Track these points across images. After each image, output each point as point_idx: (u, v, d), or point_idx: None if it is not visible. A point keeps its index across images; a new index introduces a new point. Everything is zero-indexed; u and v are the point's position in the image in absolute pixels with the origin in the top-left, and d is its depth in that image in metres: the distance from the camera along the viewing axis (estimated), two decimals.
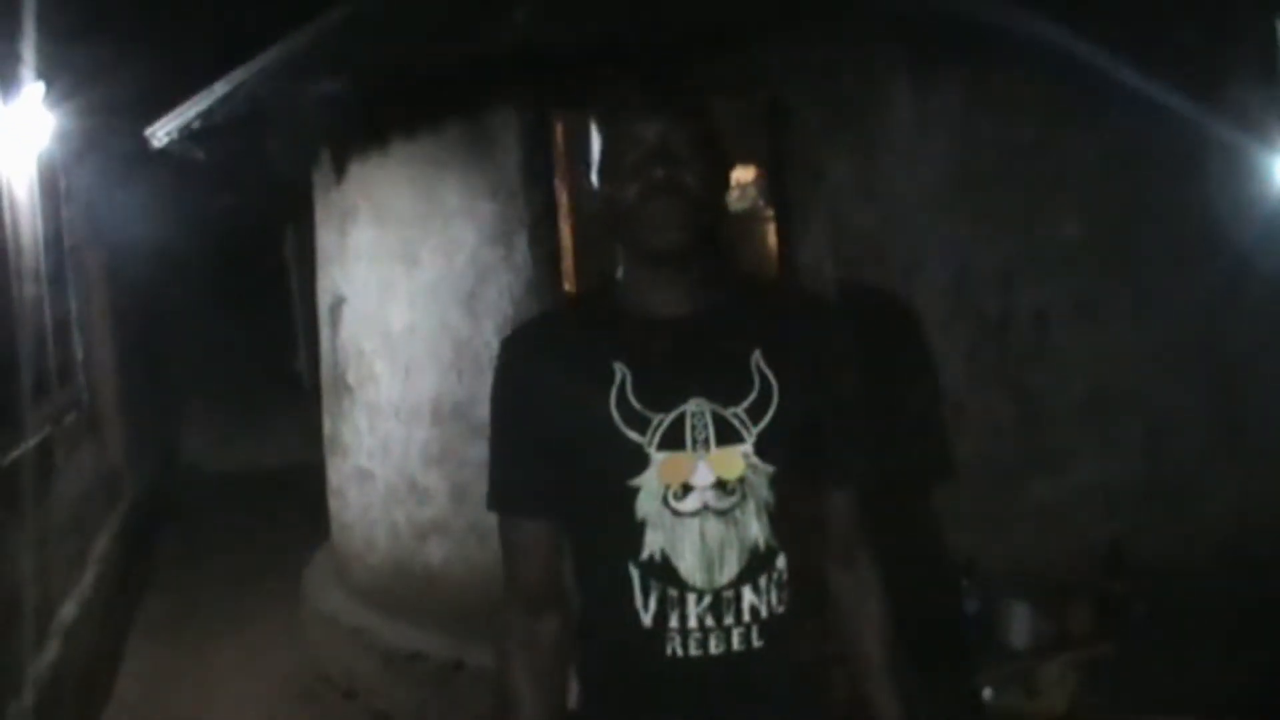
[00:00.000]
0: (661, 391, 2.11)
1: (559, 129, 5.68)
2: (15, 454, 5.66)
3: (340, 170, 6.46)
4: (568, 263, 5.75)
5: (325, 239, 6.86)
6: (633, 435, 2.09)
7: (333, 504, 7.01)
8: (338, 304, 6.66)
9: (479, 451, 5.83)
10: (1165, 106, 5.12)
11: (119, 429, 9.60)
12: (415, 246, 5.97)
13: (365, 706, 6.12)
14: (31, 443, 6.01)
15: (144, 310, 11.35)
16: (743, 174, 7.10)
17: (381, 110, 5.99)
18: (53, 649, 5.75)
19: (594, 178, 2.19)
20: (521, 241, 5.60)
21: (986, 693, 4.65)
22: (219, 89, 6.09)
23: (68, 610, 6.29)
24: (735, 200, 1.95)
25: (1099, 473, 5.44)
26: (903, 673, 2.28)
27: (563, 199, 5.73)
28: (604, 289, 2.26)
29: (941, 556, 5.11)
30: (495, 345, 5.60)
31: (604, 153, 2.16)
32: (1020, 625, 4.91)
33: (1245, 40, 6.00)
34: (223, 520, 10.25)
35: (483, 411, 5.83)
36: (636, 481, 2.09)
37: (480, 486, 5.84)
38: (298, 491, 7.43)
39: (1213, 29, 5.64)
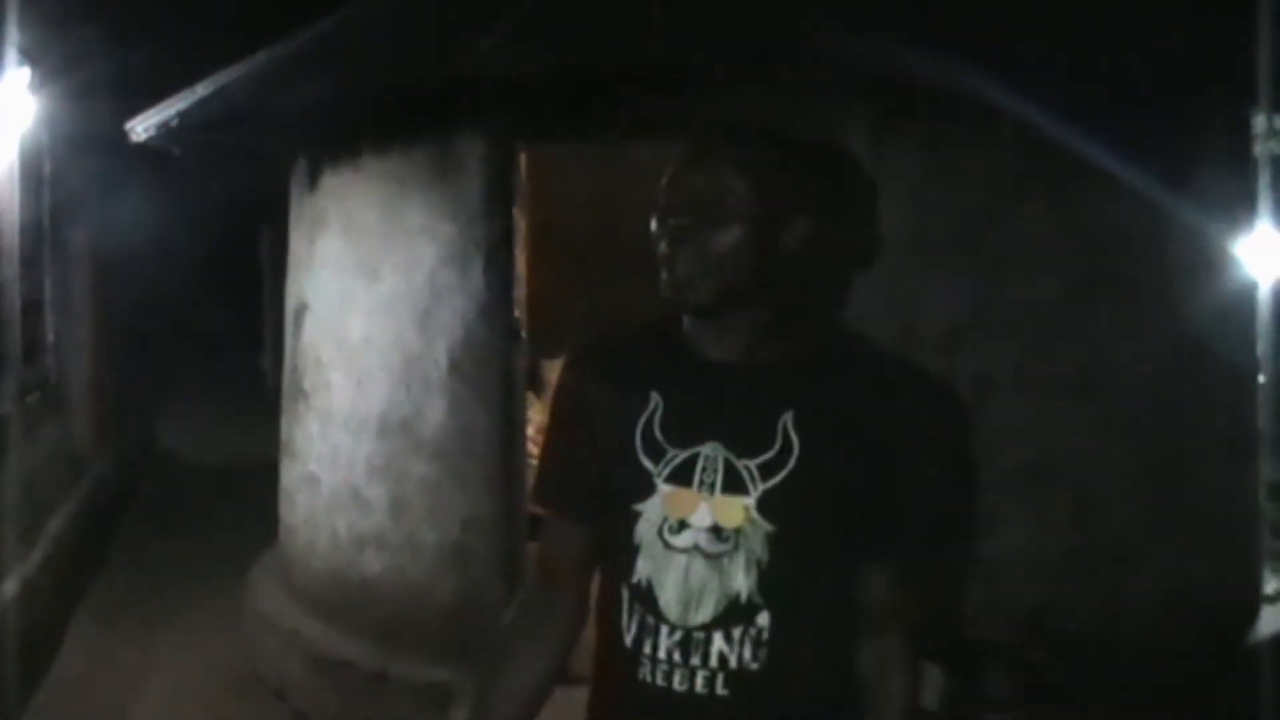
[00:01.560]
0: (684, 428, 2.15)
1: (522, 159, 5.76)
2: None
3: (314, 179, 6.55)
4: (521, 291, 5.84)
5: (296, 244, 6.94)
6: (646, 463, 2.15)
7: (282, 506, 7.08)
8: (301, 310, 6.74)
9: (420, 467, 5.96)
10: (1127, 184, 5.16)
11: (88, 412, 9.64)
12: (377, 261, 6.05)
13: (292, 708, 6.20)
14: None
15: (127, 297, 11.38)
16: None
17: (355, 125, 6.09)
18: None
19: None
20: (478, 266, 5.68)
21: None
22: (200, 89, 6.16)
23: (8, 587, 6.33)
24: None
25: (1026, 540, 5.43)
26: None
27: (521, 226, 5.82)
28: (670, 321, 2.28)
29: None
30: (444, 365, 5.71)
31: (659, 191, 2.18)
32: (931, 688, 4.93)
33: (1215, 125, 6.06)
34: (188, 511, 10.34)
35: (426, 428, 5.94)
36: (640, 507, 2.15)
37: (419, 502, 5.93)
38: (267, 488, 7.51)
39: (1184, 113, 5.69)
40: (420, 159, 5.87)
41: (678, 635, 2.10)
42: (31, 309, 7.48)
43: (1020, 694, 5.07)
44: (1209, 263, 5.83)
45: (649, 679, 2.13)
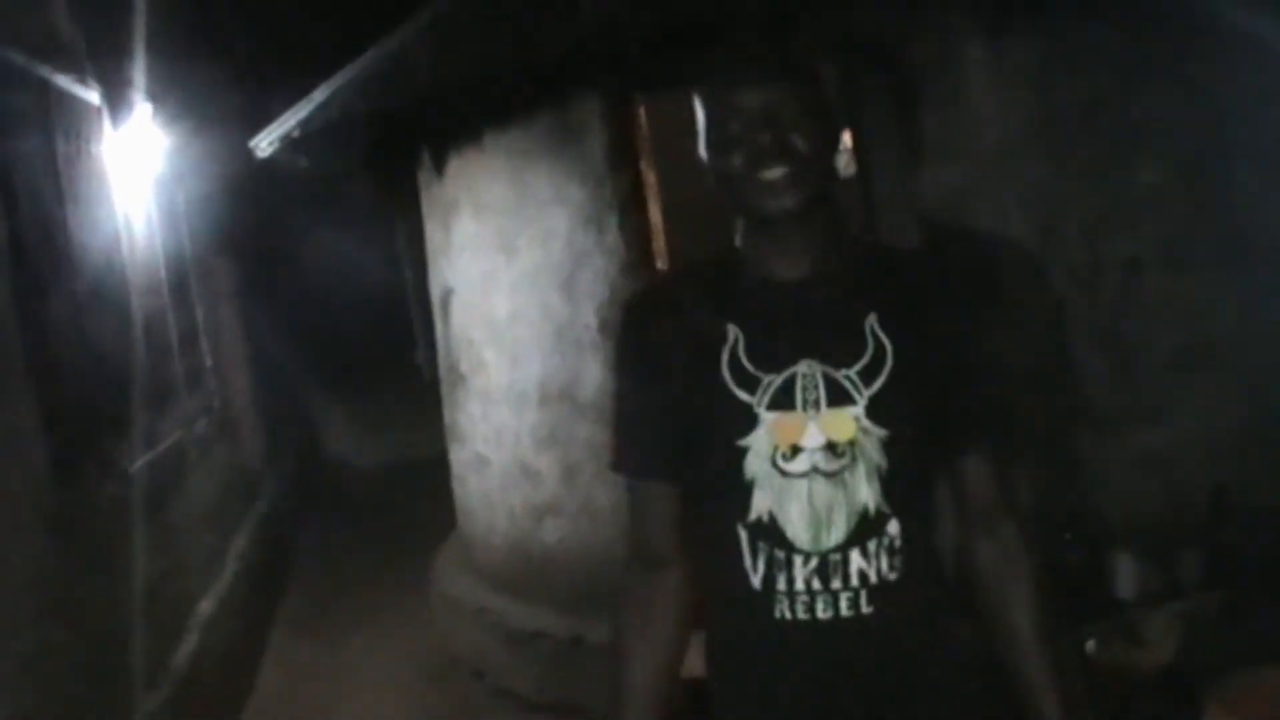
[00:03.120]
0: (773, 353, 2.09)
1: (641, 111, 5.77)
2: (145, 459, 5.89)
3: (440, 166, 6.63)
4: (659, 242, 5.83)
5: (432, 233, 7.04)
6: (743, 395, 2.08)
7: (456, 490, 7.19)
8: (447, 296, 6.84)
9: (586, 431, 6.02)
10: (1250, 43, 5.02)
11: (254, 431, 9.90)
12: (513, 236, 6.11)
13: (492, 685, 6.29)
14: (161, 448, 6.24)
15: (275, 316, 11.63)
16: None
17: (472, 107, 6.12)
18: (191, 642, 5.96)
19: (701, 150, 2.13)
20: (612, 224, 5.70)
21: (1090, 645, 4.55)
22: (316, 97, 6.28)
23: (206, 606, 6.52)
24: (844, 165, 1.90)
25: (1199, 421, 5.30)
26: (1056, 642, 2.19)
27: (650, 179, 5.83)
28: (723, 254, 2.24)
29: (1043, 508, 5.08)
30: (595, 327, 5.76)
31: (708, 124, 2.11)
32: (1125, 576, 4.86)
33: None
34: (361, 513, 10.53)
35: (585, 393, 5.99)
36: (745, 441, 2.08)
37: (588, 466, 5.98)
38: (436, 480, 7.66)
39: None
40: (541, 129, 5.90)
41: (813, 562, 2.08)
42: (187, 338, 7.68)
43: (1215, 574, 4.98)
44: None
45: (787, 615, 2.10)
